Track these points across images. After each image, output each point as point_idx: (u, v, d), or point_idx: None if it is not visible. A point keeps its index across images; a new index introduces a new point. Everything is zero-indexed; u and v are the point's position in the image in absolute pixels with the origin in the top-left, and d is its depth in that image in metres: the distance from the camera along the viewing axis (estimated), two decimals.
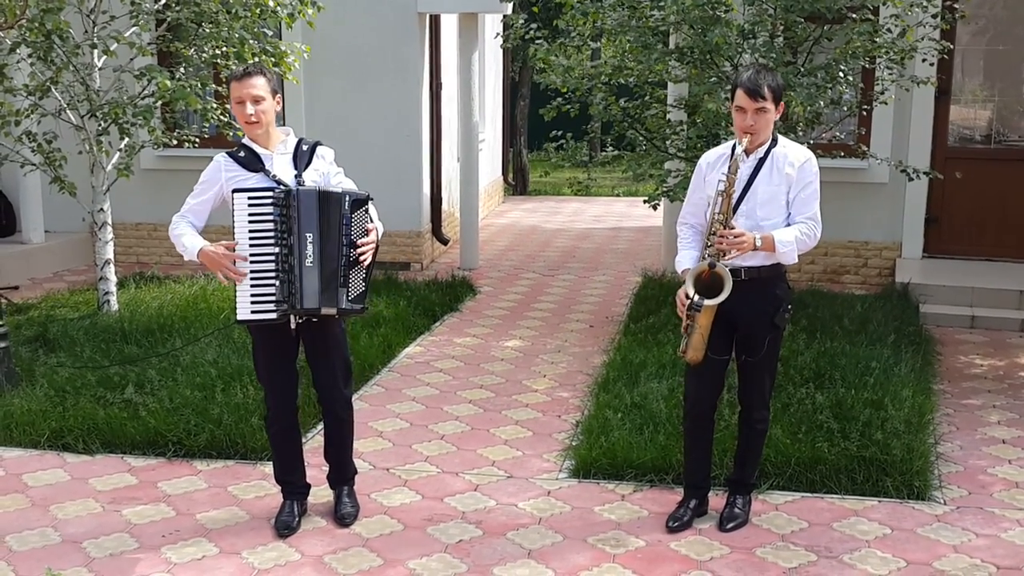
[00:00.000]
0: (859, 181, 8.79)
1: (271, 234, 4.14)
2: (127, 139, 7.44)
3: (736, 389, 4.55)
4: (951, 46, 7.65)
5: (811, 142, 7.31)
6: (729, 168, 4.13)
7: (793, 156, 4.19)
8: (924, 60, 7.40)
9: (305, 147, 4.33)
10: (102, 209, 7.51)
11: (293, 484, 4.55)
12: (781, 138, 4.26)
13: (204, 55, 7.53)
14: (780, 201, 4.18)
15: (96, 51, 7.26)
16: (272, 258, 4.15)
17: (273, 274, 4.15)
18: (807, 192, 4.17)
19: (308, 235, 4.12)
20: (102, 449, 5.29)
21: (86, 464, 5.18)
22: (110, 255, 7.54)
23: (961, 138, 8.91)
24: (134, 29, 7.33)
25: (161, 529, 4.48)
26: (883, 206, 8.85)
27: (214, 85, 7.69)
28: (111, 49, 7.22)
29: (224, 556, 4.25)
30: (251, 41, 7.34)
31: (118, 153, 7.57)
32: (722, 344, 4.30)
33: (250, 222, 4.14)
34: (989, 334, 7.55)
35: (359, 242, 4.20)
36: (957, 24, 7.74)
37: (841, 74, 6.82)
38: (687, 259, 4.30)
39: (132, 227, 10.05)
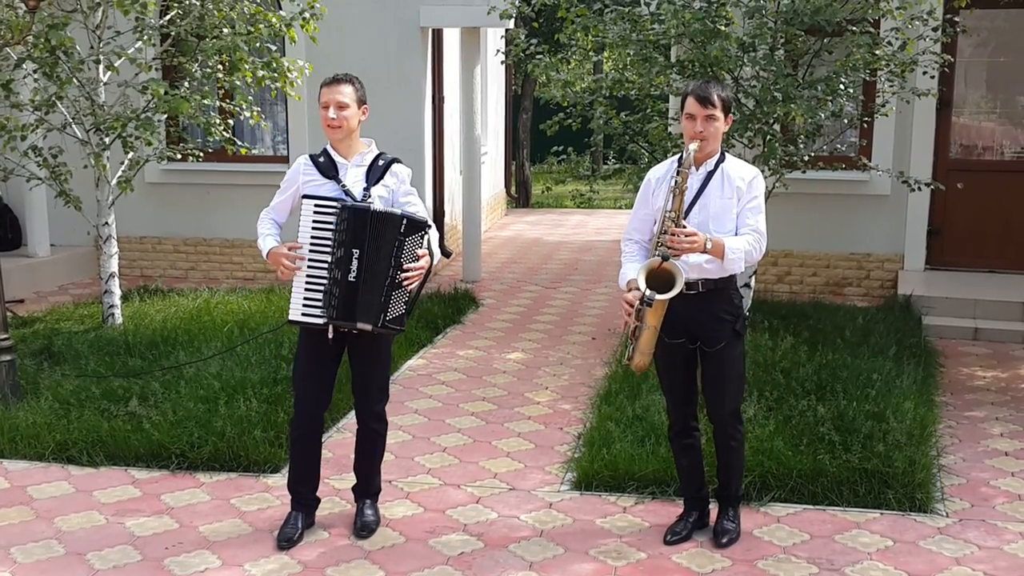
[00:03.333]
0: (861, 193, 8.81)
1: (329, 243, 4.27)
2: (131, 153, 7.48)
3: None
4: (951, 59, 7.67)
5: (812, 154, 7.33)
6: (681, 163, 4.11)
7: (743, 171, 4.25)
8: (925, 72, 7.42)
9: (381, 162, 4.44)
10: (107, 223, 7.55)
11: (304, 495, 4.56)
12: (729, 155, 4.31)
13: (207, 69, 7.57)
14: (731, 214, 4.21)
15: (101, 66, 7.31)
16: (326, 266, 4.28)
17: (325, 281, 4.27)
18: (752, 204, 4.22)
19: (355, 251, 4.24)
20: (106, 461, 5.31)
21: (90, 476, 5.20)
22: (115, 268, 7.57)
23: (963, 149, 8.92)
24: (138, 44, 7.38)
25: (164, 541, 4.50)
26: (885, 218, 8.85)
27: (219, 101, 7.72)
28: (115, 64, 7.26)
29: (226, 568, 4.26)
30: (245, 49, 7.31)
31: (122, 167, 7.60)
32: (685, 358, 4.31)
33: (313, 227, 4.29)
34: (992, 346, 7.55)
35: (407, 266, 4.28)
36: (958, 37, 7.77)
37: (842, 86, 6.85)
38: (632, 271, 4.21)
39: (136, 240, 10.09)
